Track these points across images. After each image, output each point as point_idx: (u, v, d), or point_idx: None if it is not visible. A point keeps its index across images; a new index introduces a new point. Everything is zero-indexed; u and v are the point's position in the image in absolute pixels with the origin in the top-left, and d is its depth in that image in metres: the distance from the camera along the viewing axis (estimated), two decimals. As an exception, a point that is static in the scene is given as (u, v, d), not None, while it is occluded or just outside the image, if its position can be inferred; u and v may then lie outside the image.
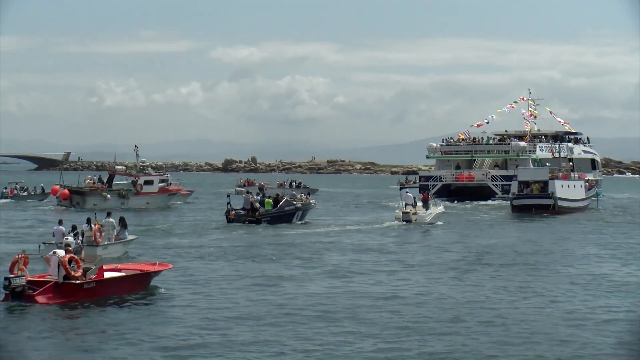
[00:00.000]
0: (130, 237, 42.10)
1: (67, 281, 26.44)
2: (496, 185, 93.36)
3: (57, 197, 73.58)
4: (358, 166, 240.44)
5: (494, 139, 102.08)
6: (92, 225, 39.20)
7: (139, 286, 29.05)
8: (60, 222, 39.53)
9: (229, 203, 57.32)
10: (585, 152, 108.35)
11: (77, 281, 26.52)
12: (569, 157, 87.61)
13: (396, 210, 59.98)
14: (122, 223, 41.72)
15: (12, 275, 25.90)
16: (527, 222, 63.48)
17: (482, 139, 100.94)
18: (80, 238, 37.98)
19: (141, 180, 76.39)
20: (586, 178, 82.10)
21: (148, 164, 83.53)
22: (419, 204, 58.85)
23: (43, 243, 40.18)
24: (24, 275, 26.19)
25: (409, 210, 57.50)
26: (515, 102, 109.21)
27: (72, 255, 27.12)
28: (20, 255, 26.87)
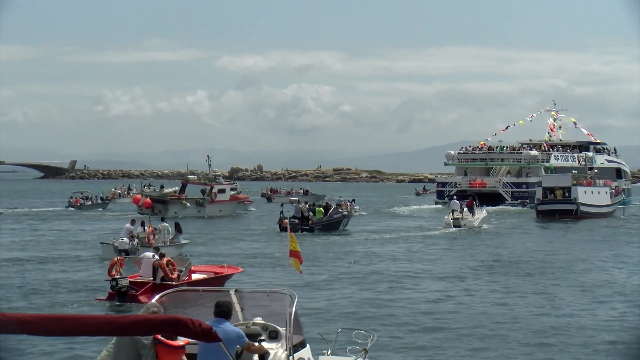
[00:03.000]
0: (183, 241, 44.65)
1: (163, 282, 28.13)
2: (506, 191, 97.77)
3: (139, 206, 75.56)
4: (364, 174, 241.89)
5: (507, 147, 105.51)
6: (146, 227, 42.04)
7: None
8: (132, 222, 42.32)
9: (282, 212, 59.55)
10: (609, 161, 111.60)
11: (173, 282, 28.19)
12: (589, 165, 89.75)
13: (445, 217, 62.80)
14: (177, 228, 44.29)
15: (118, 277, 27.72)
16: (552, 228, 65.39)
17: (497, 147, 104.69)
18: (136, 240, 40.50)
19: (215, 189, 79.38)
20: (613, 185, 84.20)
21: (219, 173, 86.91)
22: (465, 209, 61.39)
23: (101, 243, 42.65)
24: (125, 277, 28.00)
25: (458, 217, 60.32)
26: (539, 112, 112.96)
27: (169, 258, 28.88)
28: (117, 258, 29.25)
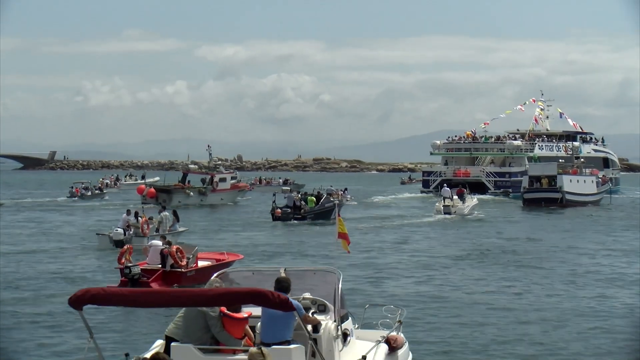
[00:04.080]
0: (180, 229, 45.38)
1: (173, 269, 28.64)
2: (489, 181, 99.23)
3: (143, 196, 76.00)
4: (344, 164, 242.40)
5: (491, 137, 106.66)
6: (140, 218, 42.52)
7: (221, 274, 31.33)
8: (128, 212, 42.80)
9: (274, 201, 60.16)
10: (596, 151, 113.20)
11: (182, 269, 28.70)
12: (576, 155, 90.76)
13: (436, 204, 63.99)
14: (175, 216, 44.97)
15: (130, 264, 28.21)
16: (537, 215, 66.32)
17: (481, 137, 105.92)
18: (131, 230, 40.97)
19: (217, 178, 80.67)
20: (600, 174, 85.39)
21: (220, 162, 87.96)
22: (455, 197, 62.46)
23: (97, 234, 42.99)
24: (137, 264, 28.47)
25: (449, 204, 61.56)
26: (525, 103, 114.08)
27: (178, 246, 29.37)
28: (127, 247, 30.09)
